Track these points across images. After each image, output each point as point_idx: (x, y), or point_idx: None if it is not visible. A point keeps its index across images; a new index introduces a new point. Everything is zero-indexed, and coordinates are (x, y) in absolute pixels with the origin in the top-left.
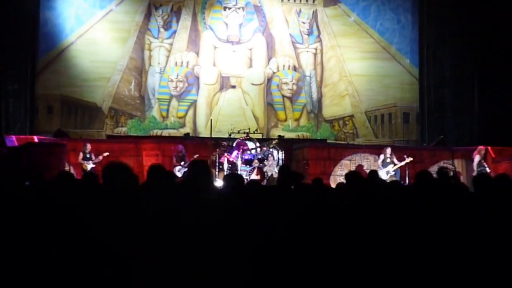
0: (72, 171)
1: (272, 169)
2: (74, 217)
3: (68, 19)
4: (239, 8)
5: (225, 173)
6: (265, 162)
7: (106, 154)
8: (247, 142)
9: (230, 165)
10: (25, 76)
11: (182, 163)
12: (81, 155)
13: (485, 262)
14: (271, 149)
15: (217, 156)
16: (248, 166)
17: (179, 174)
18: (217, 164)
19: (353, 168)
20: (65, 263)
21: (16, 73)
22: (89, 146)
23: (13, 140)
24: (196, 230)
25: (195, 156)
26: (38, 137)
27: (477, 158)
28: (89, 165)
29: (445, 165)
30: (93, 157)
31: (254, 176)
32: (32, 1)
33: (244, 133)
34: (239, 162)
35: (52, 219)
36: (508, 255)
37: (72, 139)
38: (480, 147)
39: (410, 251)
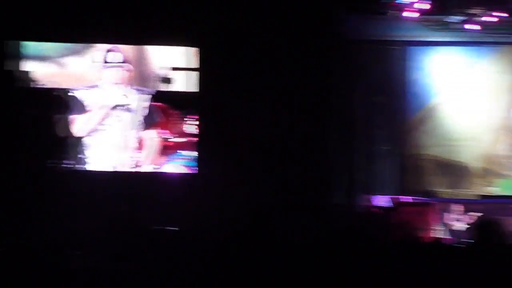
0: (442, 231)
1: None
2: None
3: (436, 78)
4: None
5: None
6: None
7: (477, 214)
8: None
9: None
10: (395, 136)
11: None
12: (449, 215)
13: None
14: None
15: None
16: None
17: None
18: None
19: None
20: None
21: (387, 134)
22: (458, 207)
23: (387, 200)
24: None
25: None
26: (408, 197)
27: None
28: (458, 225)
29: None
30: (464, 217)
31: None
32: (400, 63)
33: None
34: None
35: None
36: None
37: (440, 199)
38: None
39: None
